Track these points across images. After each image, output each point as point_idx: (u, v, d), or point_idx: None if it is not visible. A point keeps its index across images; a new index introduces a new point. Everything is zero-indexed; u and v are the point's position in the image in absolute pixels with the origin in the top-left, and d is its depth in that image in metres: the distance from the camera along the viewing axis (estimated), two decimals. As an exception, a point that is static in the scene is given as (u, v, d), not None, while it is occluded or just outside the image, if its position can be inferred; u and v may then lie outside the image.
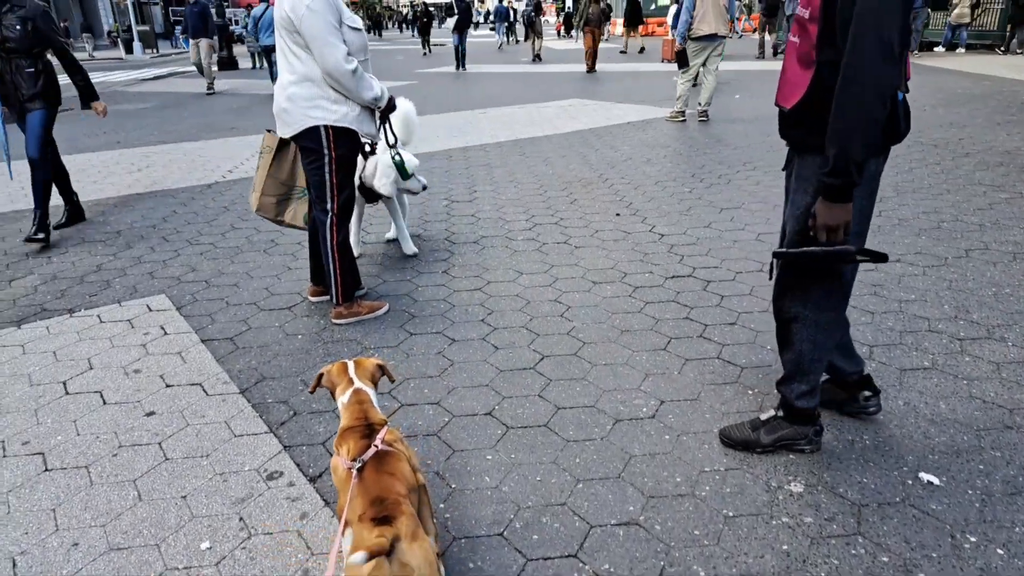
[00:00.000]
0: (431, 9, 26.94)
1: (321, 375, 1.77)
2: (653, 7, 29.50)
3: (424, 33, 23.80)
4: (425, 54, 22.91)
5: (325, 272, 3.24)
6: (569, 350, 2.97)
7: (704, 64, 8.40)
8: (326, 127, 2.96)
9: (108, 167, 6.99)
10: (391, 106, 3.20)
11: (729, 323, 3.17)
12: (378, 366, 1.80)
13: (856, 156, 1.70)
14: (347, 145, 3.05)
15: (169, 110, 11.37)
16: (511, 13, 29.66)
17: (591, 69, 15.01)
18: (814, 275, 2.01)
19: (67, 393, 2.75)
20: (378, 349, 3.04)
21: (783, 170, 2.15)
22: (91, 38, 28.95)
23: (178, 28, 29.78)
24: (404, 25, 50.99)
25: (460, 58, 16.98)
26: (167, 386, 2.78)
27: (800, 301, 2.05)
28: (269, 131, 3.27)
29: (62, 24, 26.42)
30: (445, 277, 3.86)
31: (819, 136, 1.79)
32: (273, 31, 17.27)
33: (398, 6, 72.97)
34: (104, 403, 2.67)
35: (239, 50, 22.22)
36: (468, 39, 18.03)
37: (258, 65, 18.49)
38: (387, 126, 3.31)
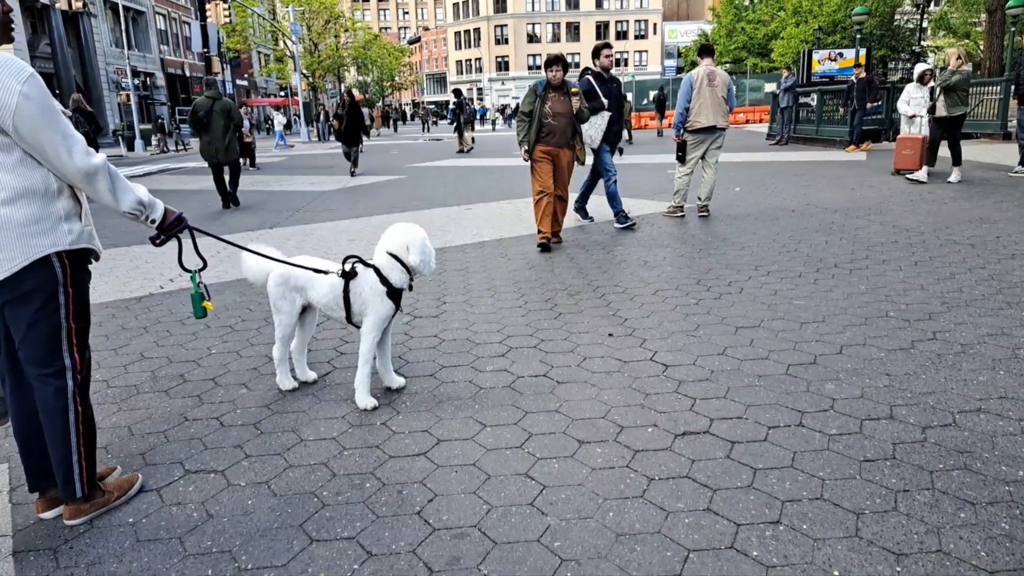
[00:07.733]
0: (358, 103, 15.53)
1: None
2: (645, 101, 30.00)
3: (347, 140, 14.21)
4: (353, 173, 14.28)
5: (57, 463, 2.25)
6: None
7: (703, 157, 7.80)
8: (60, 254, 2.13)
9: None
10: (180, 221, 2.35)
11: (770, 521, 2.20)
12: None
13: None
14: (84, 273, 2.26)
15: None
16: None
17: (546, 242, 6.53)
18: None
19: None
20: (257, 571, 2.06)
21: None
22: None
23: (184, 127, 30.15)
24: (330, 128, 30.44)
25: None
26: (-85, 650, 1.80)
27: None
28: None
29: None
30: (383, 433, 2.93)
31: None
32: None
33: (401, 105, 74.91)
34: None
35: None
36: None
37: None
38: (184, 243, 2.48)
